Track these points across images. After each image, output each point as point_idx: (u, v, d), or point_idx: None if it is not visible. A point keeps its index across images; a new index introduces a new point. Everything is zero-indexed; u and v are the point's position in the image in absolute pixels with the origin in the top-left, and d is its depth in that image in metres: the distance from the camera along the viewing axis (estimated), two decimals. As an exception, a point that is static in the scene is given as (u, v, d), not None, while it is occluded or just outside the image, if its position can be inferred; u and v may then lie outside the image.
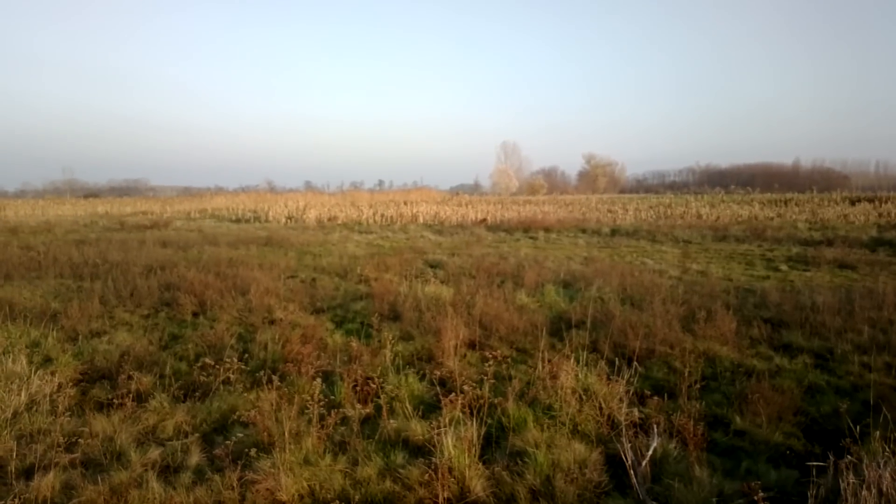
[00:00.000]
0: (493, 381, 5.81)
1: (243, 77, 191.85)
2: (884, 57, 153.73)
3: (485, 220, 19.53)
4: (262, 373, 6.25)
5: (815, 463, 4.40)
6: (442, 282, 12.30)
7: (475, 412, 5.16)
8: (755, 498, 3.79)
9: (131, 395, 5.81)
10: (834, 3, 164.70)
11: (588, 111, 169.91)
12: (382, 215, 35.96)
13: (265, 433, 5.14)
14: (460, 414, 5.16)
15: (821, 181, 69.54)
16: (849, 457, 4.11)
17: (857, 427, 4.64)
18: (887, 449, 4.18)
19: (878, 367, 7.04)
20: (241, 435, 5.11)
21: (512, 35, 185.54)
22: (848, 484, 3.76)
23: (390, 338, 7.58)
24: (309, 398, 5.32)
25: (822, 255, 16.85)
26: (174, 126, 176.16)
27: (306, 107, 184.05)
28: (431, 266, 15.35)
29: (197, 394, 6.27)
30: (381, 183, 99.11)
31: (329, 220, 35.38)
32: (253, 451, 4.69)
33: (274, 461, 4.57)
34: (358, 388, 6.15)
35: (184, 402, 6.13)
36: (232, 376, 6.23)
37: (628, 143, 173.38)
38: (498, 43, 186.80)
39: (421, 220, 34.47)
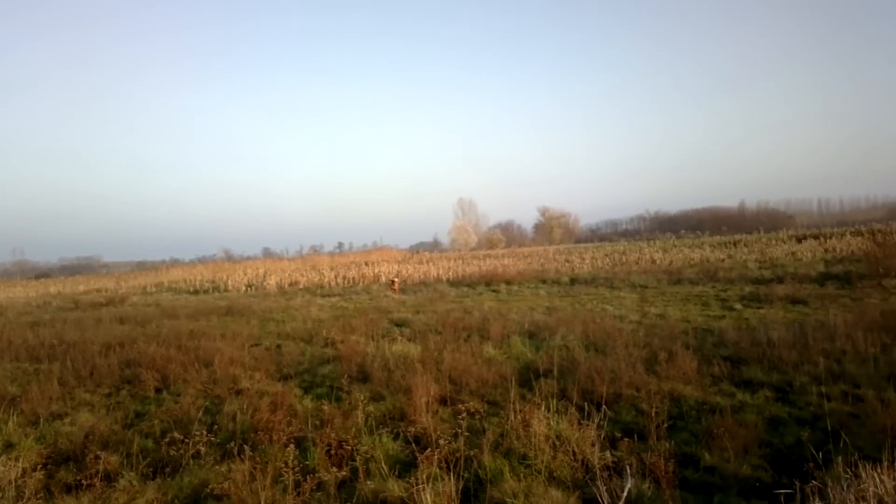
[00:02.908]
0: (466, 434, 5.87)
1: (196, 146, 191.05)
2: (821, 100, 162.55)
3: (394, 282, 19.54)
4: (232, 444, 6.17)
5: (782, 491, 4.54)
6: (409, 339, 12.34)
7: (451, 466, 5.19)
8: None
9: (99, 476, 5.66)
10: (765, 53, 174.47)
11: (540, 165, 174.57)
12: (344, 277, 35.90)
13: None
14: (437, 469, 5.18)
15: (766, 221, 72.21)
16: (813, 482, 4.27)
17: (820, 454, 4.82)
18: (849, 472, 4.36)
19: (836, 395, 7.32)
20: (215, 509, 5.00)
21: (463, 93, 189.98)
22: (814, 508, 3.90)
23: (361, 399, 7.56)
24: (283, 465, 5.27)
25: (774, 292, 17.50)
26: (125, 199, 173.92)
27: (261, 173, 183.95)
28: (397, 325, 15.36)
29: (167, 470, 6.12)
30: (340, 245, 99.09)
31: (290, 285, 35.14)
32: (229, 525, 4.61)
33: (251, 532, 4.49)
34: (332, 452, 6.10)
35: (153, 479, 5.97)
36: (202, 449, 6.12)
37: (580, 195, 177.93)
38: (450, 102, 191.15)
39: (383, 279, 34.48)
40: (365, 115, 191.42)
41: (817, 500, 4.03)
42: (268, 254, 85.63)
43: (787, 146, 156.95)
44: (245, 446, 5.79)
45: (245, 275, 43.88)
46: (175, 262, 79.96)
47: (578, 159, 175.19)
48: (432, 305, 19.77)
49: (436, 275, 34.18)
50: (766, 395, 7.52)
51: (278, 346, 13.14)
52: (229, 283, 38.82)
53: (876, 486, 4.01)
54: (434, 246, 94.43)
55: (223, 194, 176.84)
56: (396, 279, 19.88)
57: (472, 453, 5.58)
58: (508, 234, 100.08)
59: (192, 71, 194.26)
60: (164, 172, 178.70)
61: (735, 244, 43.74)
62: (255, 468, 5.43)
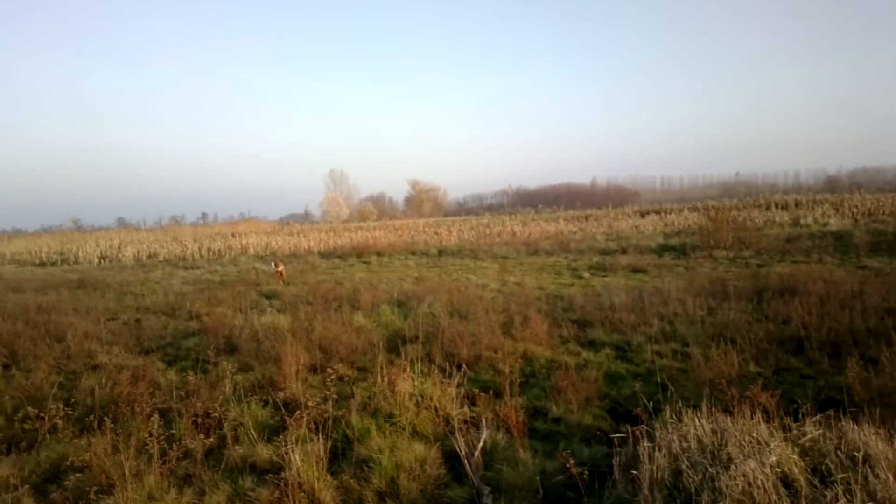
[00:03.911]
0: (336, 398, 6.09)
1: (38, 100, 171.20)
2: (665, 85, 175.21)
3: (279, 271, 18.33)
4: (91, 417, 5.96)
5: (617, 435, 5.18)
6: (279, 311, 12.27)
7: (320, 428, 5.40)
8: (569, 468, 4.45)
9: (-57, 456, 5.31)
10: (616, 34, 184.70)
11: (411, 139, 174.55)
12: (209, 249, 34.43)
13: (103, 475, 4.97)
14: (306, 431, 5.35)
15: (615, 197, 77.46)
16: (643, 426, 4.91)
17: (651, 403, 5.52)
18: (674, 418, 5.05)
19: (667, 353, 8.28)
20: (76, 480, 4.89)
21: (334, 65, 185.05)
22: (644, 448, 4.50)
23: (229, 370, 7.53)
24: (146, 436, 5.23)
25: (618, 262, 19.10)
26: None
27: (114, 138, 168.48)
28: (267, 297, 15.14)
29: (21, 445, 5.86)
30: (204, 216, 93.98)
31: (149, 257, 33.21)
32: (93, 495, 4.55)
33: (116, 501, 4.47)
34: (199, 422, 6.09)
35: (7, 455, 5.71)
36: (59, 423, 5.92)
37: (449, 169, 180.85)
38: (319, 71, 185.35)
39: (252, 251, 33.50)
40: (232, 81, 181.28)
41: (646, 441, 4.64)
42: (123, 224, 79.49)
43: (635, 128, 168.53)
44: (105, 419, 5.62)
45: (98, 246, 40.73)
46: (17, 233, 72.21)
47: (447, 135, 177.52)
48: (303, 277, 19.59)
49: (307, 247, 33.71)
50: (607, 353, 8.35)
51: (137, 320, 12.58)
52: (80, 254, 35.89)
53: (696, 429, 4.67)
54: (305, 218, 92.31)
55: (70, 159, 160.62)
56: (281, 267, 18.63)
57: (340, 414, 5.83)
58: (380, 207, 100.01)
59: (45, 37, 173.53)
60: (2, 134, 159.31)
61: (587, 218, 46.51)
62: (117, 440, 5.35)
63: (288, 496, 4.49)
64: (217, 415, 6.06)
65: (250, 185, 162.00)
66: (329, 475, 4.89)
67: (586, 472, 4.46)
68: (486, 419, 5.67)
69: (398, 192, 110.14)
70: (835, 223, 28.00)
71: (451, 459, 5.12)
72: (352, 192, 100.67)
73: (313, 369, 8.03)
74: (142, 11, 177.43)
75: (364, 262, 25.20)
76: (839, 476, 3.84)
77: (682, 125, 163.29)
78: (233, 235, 45.23)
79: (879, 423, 4.53)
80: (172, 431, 5.89)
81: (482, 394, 6.34)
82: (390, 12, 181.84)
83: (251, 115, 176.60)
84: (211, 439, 5.68)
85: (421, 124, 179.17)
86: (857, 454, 4.01)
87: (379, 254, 27.53)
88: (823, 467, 4.10)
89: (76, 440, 5.75)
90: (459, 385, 6.44)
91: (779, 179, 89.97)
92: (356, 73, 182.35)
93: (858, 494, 3.55)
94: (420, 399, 6.22)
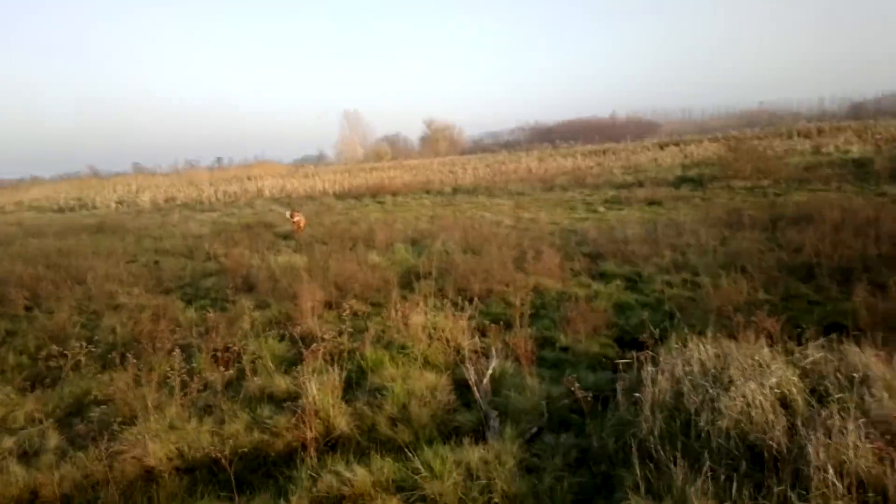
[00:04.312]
0: (350, 331, 6.27)
1: (50, 51, 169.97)
2: (685, 14, 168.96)
3: (295, 220, 14.69)
4: (113, 354, 6.20)
5: (622, 361, 5.29)
6: (294, 251, 12.44)
7: (336, 360, 5.57)
8: (574, 392, 4.57)
9: (-28, 392, 5.58)
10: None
11: (425, 76, 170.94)
12: (225, 192, 34.56)
13: (126, 408, 5.22)
14: (322, 363, 5.53)
15: (635, 130, 75.71)
16: (648, 352, 4.99)
17: (658, 331, 5.58)
18: (679, 344, 5.13)
19: (677, 283, 8.33)
20: (100, 413, 5.13)
21: (344, 3, 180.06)
22: (647, 372, 4.60)
23: (247, 307, 7.73)
24: (168, 369, 5.43)
25: (635, 195, 18.93)
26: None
27: (127, 83, 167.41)
28: (283, 238, 15.32)
29: (46, 381, 6.14)
30: (219, 160, 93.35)
31: (166, 201, 33.42)
32: (116, 426, 4.79)
33: (139, 431, 4.70)
34: (218, 356, 6.28)
35: (32, 391, 5.97)
36: (82, 360, 6.15)
37: (465, 107, 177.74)
38: (329, 10, 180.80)
39: (267, 194, 33.54)
40: (243, 23, 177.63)
41: (649, 366, 4.73)
42: (139, 169, 79.45)
43: (656, 58, 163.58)
44: (128, 355, 5.85)
45: (115, 191, 41.10)
46: (35, 180, 72.78)
47: (463, 71, 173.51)
48: (318, 218, 19.68)
49: (322, 188, 33.66)
50: (617, 284, 8.42)
51: (156, 262, 12.85)
52: (98, 200, 36.23)
53: (699, 354, 4.76)
54: (320, 160, 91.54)
55: (84, 107, 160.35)
56: (298, 216, 15.85)
57: (355, 346, 6.00)
58: (395, 147, 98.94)
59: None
60: (15, 85, 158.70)
61: (604, 152, 45.57)
62: (139, 375, 5.57)
63: (304, 422, 4.68)
64: (236, 349, 6.25)
65: (264, 128, 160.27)
66: (343, 403, 5.08)
67: (591, 396, 4.58)
68: (496, 349, 5.81)
69: (413, 131, 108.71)
70: (857, 150, 27.23)
71: (461, 388, 5.27)
72: (366, 132, 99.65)
73: (329, 306, 8.20)
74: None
75: (379, 203, 25.22)
76: (836, 396, 3.92)
77: (704, 54, 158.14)
78: (248, 178, 45.25)
79: (881, 346, 4.58)
80: (193, 365, 6.10)
81: (493, 325, 6.46)
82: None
83: (263, 58, 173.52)
84: (230, 372, 5.89)
85: (436, 60, 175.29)
86: (855, 375, 4.07)
87: (394, 194, 27.47)
88: (822, 388, 4.19)
89: (99, 376, 6.02)
90: (471, 318, 6.58)
91: (803, 107, 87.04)
92: (369, 9, 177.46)
93: (852, 412, 3.62)
94: (432, 331, 6.38)
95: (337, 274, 9.32)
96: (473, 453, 4.03)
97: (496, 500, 3.70)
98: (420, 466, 3.93)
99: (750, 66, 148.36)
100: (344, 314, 6.71)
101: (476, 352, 5.96)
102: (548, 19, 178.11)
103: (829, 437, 3.43)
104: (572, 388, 4.63)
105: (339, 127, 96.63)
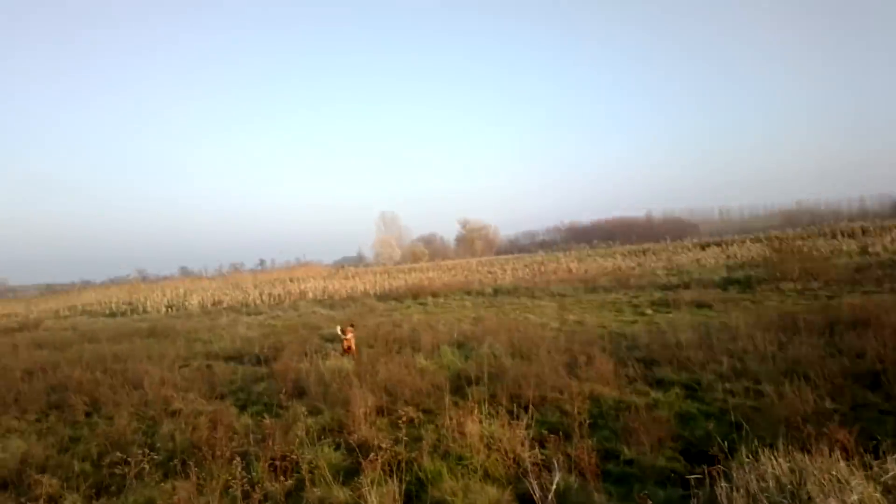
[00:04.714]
0: (406, 439, 6.23)
1: (102, 160, 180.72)
2: (719, 114, 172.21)
3: (347, 339, 12.21)
4: (174, 461, 6.28)
5: (692, 476, 5.13)
6: (342, 354, 12.53)
7: (393, 471, 5.54)
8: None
9: (42, 499, 5.68)
10: (669, 68, 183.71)
11: (460, 178, 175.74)
12: (270, 294, 35.36)
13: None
14: (380, 473, 5.50)
15: (673, 230, 76.06)
16: (720, 466, 4.87)
17: (726, 443, 5.45)
18: (751, 458, 4.99)
19: (739, 391, 8.10)
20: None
21: (376, 106, 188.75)
22: (721, 489, 4.48)
23: (300, 413, 7.77)
24: (228, 478, 5.46)
25: (681, 297, 18.74)
26: (28, 218, 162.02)
27: (174, 189, 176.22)
28: (328, 341, 15.45)
29: (111, 489, 6.18)
30: (262, 262, 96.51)
31: (214, 304, 34.28)
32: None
33: (205, 541, 4.69)
34: (275, 465, 6.30)
35: (97, 499, 6.02)
36: (145, 468, 6.21)
37: (499, 207, 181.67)
38: (364, 114, 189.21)
39: (310, 295, 34.20)
40: (277, 128, 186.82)
41: (723, 481, 4.61)
42: (186, 273, 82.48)
43: (690, 157, 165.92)
44: (188, 462, 5.92)
45: (164, 295, 42.34)
46: (87, 284, 75.71)
47: (496, 172, 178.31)
48: (362, 320, 19.89)
49: (363, 289, 34.28)
50: (676, 392, 8.23)
51: (208, 366, 13.03)
52: (148, 303, 37.39)
53: (773, 468, 4.63)
54: (358, 260, 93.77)
55: (134, 212, 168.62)
56: (350, 334, 12.93)
57: (412, 456, 5.95)
58: (431, 247, 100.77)
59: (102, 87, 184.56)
60: (69, 191, 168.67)
61: (644, 253, 45.79)
62: (200, 483, 5.60)
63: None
64: (294, 457, 6.26)
65: (304, 230, 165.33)
66: (405, 516, 5.01)
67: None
68: (558, 461, 5.69)
69: (448, 231, 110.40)
70: (906, 250, 26.83)
71: (524, 502, 5.16)
72: (402, 233, 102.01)
73: (380, 412, 8.18)
74: (197, 66, 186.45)
75: (420, 304, 25.46)
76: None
77: (739, 153, 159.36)
78: (290, 280, 46.36)
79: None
80: (252, 474, 6.10)
81: (551, 435, 6.36)
82: (430, 54, 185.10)
83: (302, 161, 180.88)
84: (289, 481, 5.89)
85: (470, 162, 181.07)
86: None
87: (434, 294, 27.74)
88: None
89: (161, 484, 6.03)
90: (528, 427, 6.49)
91: (842, 206, 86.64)
92: (404, 114, 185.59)
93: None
94: (489, 441, 6.30)
95: (386, 378, 9.33)
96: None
97: None
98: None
99: (786, 164, 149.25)
100: (398, 421, 6.70)
101: (536, 464, 5.85)
102: (578, 121, 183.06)
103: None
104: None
105: (376, 228, 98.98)
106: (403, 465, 5.79)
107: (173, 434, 7.63)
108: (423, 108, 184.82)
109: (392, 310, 23.75)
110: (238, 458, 6.00)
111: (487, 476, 5.79)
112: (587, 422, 6.79)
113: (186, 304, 35.02)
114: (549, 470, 5.60)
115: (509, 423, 6.58)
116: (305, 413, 8.22)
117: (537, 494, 5.00)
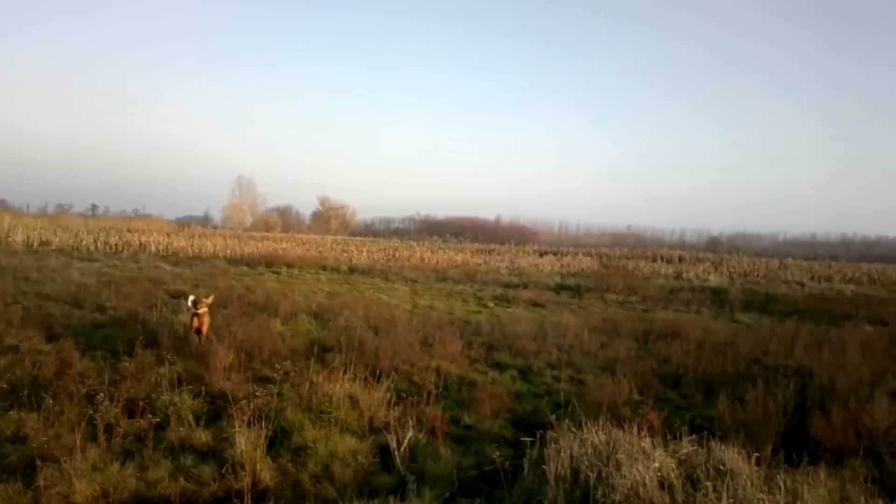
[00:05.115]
0: (267, 395, 6.50)
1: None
2: (570, 139, 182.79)
3: (198, 311, 11.25)
4: (19, 394, 6.08)
5: (527, 439, 5.95)
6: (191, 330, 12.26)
7: (256, 420, 5.80)
8: (496, 461, 5.18)
9: None
10: (527, 86, 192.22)
11: (324, 155, 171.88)
12: (106, 242, 32.91)
13: (45, 446, 5.17)
14: (244, 421, 5.75)
15: (517, 235, 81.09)
16: (550, 431, 5.73)
17: (554, 416, 6.33)
18: (573, 428, 5.88)
19: (564, 378, 9.29)
20: (15, 451, 5.07)
21: (249, 71, 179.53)
22: (550, 449, 5.30)
23: (150, 361, 7.73)
24: (82, 414, 5.46)
25: (520, 295, 20.59)
26: None
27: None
28: (174, 297, 14.95)
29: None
30: (94, 207, 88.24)
31: (41, 244, 31.30)
32: (38, 462, 4.78)
33: (62, 469, 4.72)
34: (132, 408, 6.29)
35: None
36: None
37: (358, 190, 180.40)
38: (228, 76, 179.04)
39: (153, 249, 32.32)
40: (129, 71, 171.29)
41: (552, 444, 5.45)
42: (3, 206, 73.69)
43: (540, 172, 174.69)
44: (35, 397, 5.81)
45: (-20, 227, 37.87)
46: None
47: (358, 156, 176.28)
48: (213, 281, 19.29)
49: (212, 251, 33.00)
50: (511, 374, 9.28)
51: (40, 307, 12.22)
52: (-38, 234, 33.30)
53: (592, 438, 5.56)
54: (205, 221, 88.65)
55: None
56: (203, 308, 9.79)
57: (279, 406, 6.28)
58: (286, 219, 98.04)
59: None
60: None
61: (490, 252, 48.32)
62: (46, 418, 5.55)
63: (231, 472, 4.90)
64: (151, 400, 6.32)
65: (146, 180, 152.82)
66: (268, 458, 5.34)
67: (506, 465, 5.21)
68: (412, 420, 6.31)
69: (305, 206, 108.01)
70: (714, 280, 30.81)
71: (380, 453, 5.70)
72: (258, 200, 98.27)
73: (238, 368, 8.28)
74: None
75: (274, 272, 25.10)
76: (707, 483, 4.76)
77: (583, 176, 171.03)
78: (129, 231, 43.35)
79: (741, 447, 5.54)
80: (108, 414, 6.06)
81: (406, 399, 6.98)
82: (299, 30, 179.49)
83: (152, 107, 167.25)
84: (144, 422, 5.90)
85: (334, 141, 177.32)
86: (722, 467, 4.99)
87: (289, 265, 27.44)
88: (695, 475, 5.05)
89: (9, 412, 5.86)
90: (387, 391, 7.06)
91: (665, 235, 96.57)
92: (274, 83, 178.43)
93: (724, 497, 4.46)
94: (349, 400, 6.78)
95: (243, 339, 9.35)
96: (397, 510, 4.47)
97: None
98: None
99: (622, 192, 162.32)
100: (256, 377, 6.93)
101: (390, 423, 6.41)
102: (438, 121, 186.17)
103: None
104: (493, 456, 5.24)
105: (230, 191, 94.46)
106: (269, 415, 6.07)
107: (13, 368, 7.27)
108: (293, 80, 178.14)
109: (244, 274, 23.23)
110: (85, 398, 5.95)
111: (347, 429, 6.26)
112: (435, 392, 7.52)
113: (10, 239, 31.60)
114: (404, 428, 6.19)
115: (369, 386, 7.10)
116: (156, 362, 8.14)
117: (393, 445, 5.57)
